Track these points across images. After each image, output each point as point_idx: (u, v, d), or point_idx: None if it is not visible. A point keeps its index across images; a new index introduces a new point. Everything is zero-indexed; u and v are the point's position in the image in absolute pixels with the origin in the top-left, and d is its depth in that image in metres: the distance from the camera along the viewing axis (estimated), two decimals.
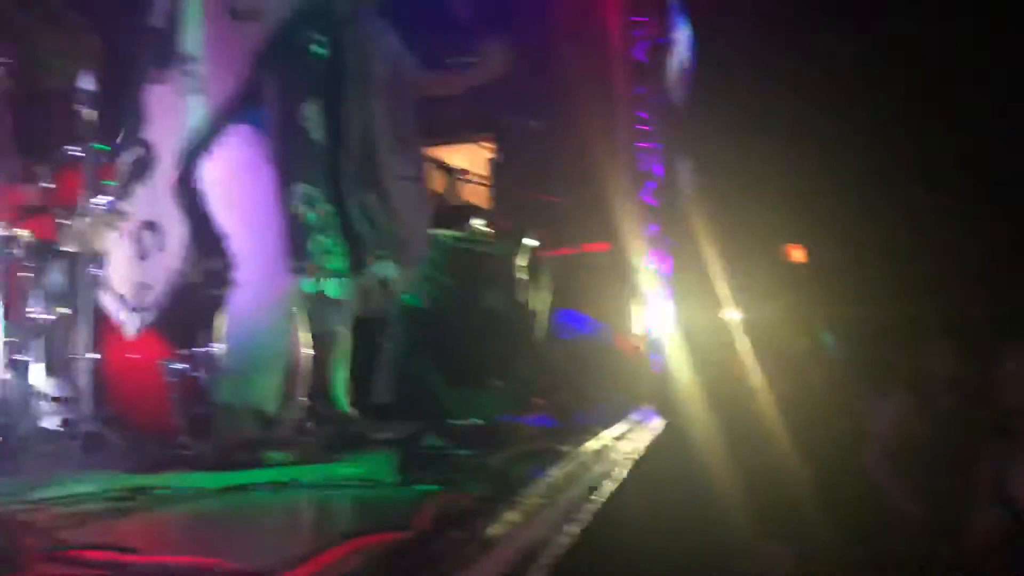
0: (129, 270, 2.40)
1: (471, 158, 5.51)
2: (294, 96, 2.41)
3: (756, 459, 4.40)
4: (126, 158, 2.40)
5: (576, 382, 3.98)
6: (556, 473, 1.99)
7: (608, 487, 2.18)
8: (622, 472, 2.45)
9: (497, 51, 3.07)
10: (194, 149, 2.36)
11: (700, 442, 4.09)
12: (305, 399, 2.45)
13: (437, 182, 4.82)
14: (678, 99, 5.61)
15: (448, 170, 5.10)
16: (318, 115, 2.41)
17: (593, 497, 2.00)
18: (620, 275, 5.17)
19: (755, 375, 5.35)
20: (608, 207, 5.16)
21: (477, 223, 4.23)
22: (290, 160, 2.35)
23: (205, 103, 2.32)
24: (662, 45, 5.54)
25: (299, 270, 2.28)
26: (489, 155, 5.52)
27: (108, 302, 2.45)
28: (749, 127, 7.34)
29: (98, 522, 1.49)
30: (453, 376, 3.29)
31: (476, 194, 5.31)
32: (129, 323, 2.43)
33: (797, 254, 8.30)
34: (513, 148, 5.23)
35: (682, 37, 5.49)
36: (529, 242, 4.74)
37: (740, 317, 6.09)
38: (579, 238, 5.18)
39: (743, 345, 5.65)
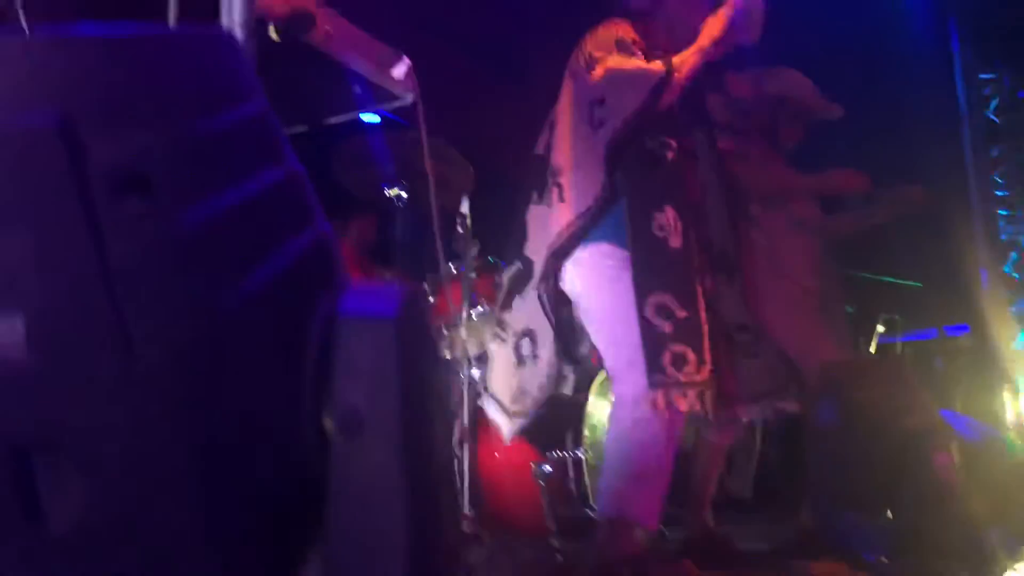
0: (508, 377, 2.55)
1: None
2: (648, 203, 2.40)
3: None
4: (506, 272, 2.57)
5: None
6: None
7: None
8: None
9: (913, 190, 2.96)
10: (560, 260, 2.46)
11: None
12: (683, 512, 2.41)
13: None
14: None
15: None
16: (675, 223, 2.37)
17: None
18: (986, 361, 4.60)
19: None
20: (968, 284, 4.64)
21: None
22: (646, 269, 2.33)
23: (569, 214, 2.41)
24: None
25: (657, 383, 2.23)
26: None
27: (488, 406, 2.61)
28: None
29: None
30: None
31: None
32: (506, 428, 2.57)
33: None
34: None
35: None
36: (879, 328, 4.41)
37: None
38: (936, 320, 4.69)
39: None
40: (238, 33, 1.08)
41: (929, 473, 2.88)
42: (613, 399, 2.31)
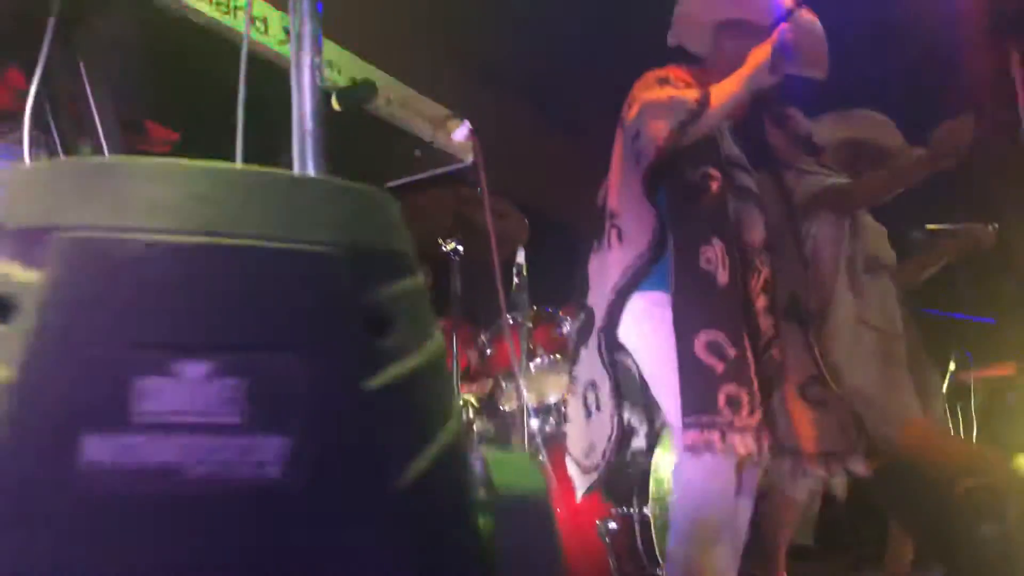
0: (580, 431, 2.49)
1: None
2: (693, 236, 2.31)
3: None
4: (573, 324, 2.52)
5: None
6: None
7: None
8: None
9: (982, 229, 2.86)
10: (623, 301, 2.40)
11: None
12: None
13: None
14: None
15: None
16: (722, 257, 2.28)
17: None
18: None
19: None
20: None
21: None
22: (694, 305, 2.24)
23: (630, 255, 2.34)
24: None
25: (712, 424, 2.14)
26: None
27: (568, 463, 2.54)
28: None
29: None
30: None
31: None
32: (579, 484, 2.49)
33: None
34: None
35: None
36: (951, 365, 4.26)
37: None
38: (1009, 355, 4.52)
39: None
40: (308, 117, 1.06)
41: (987, 534, 2.76)
42: (677, 452, 2.23)
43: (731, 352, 2.11)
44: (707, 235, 2.23)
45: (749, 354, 2.12)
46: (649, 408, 2.50)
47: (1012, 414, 4.58)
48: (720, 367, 2.11)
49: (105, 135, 1.22)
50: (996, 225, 3.06)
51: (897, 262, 3.07)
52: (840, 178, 2.87)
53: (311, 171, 0.97)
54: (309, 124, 0.92)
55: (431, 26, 3.46)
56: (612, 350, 2.41)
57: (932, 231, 3.21)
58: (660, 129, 2.21)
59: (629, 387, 2.45)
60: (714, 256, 2.22)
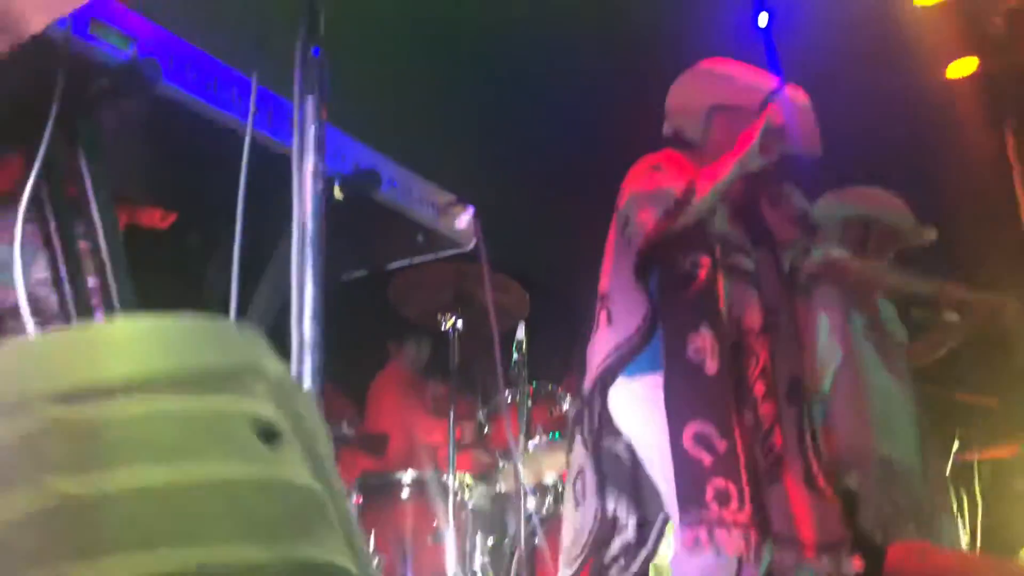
0: (570, 520, 2.42)
1: None
2: (682, 325, 2.28)
3: None
4: (572, 402, 2.48)
5: None
6: None
7: None
8: None
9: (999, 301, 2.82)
10: (604, 387, 2.36)
11: None
12: None
13: None
14: None
15: None
16: (711, 346, 2.24)
17: None
18: None
19: None
20: None
21: None
22: (682, 396, 2.20)
23: (616, 338, 2.31)
24: None
25: (700, 520, 2.07)
26: None
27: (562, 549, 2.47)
28: None
29: None
30: None
31: None
32: (566, 568, 2.43)
33: None
34: None
35: None
36: (955, 445, 4.19)
37: None
38: (1014, 436, 4.46)
39: None
40: (308, 182, 1.03)
41: None
42: (675, 545, 2.16)
43: (720, 445, 2.06)
44: (695, 323, 2.20)
45: (739, 446, 2.07)
46: (640, 499, 2.42)
47: (1016, 499, 4.50)
48: (708, 460, 2.06)
49: (101, 219, 1.20)
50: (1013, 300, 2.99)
51: (908, 339, 3.02)
52: (842, 252, 2.85)
53: (309, 271, 0.94)
54: (309, 229, 0.89)
55: (436, 108, 3.50)
56: (596, 436, 2.35)
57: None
58: (648, 218, 2.21)
59: (618, 476, 2.37)
60: (702, 345, 2.17)
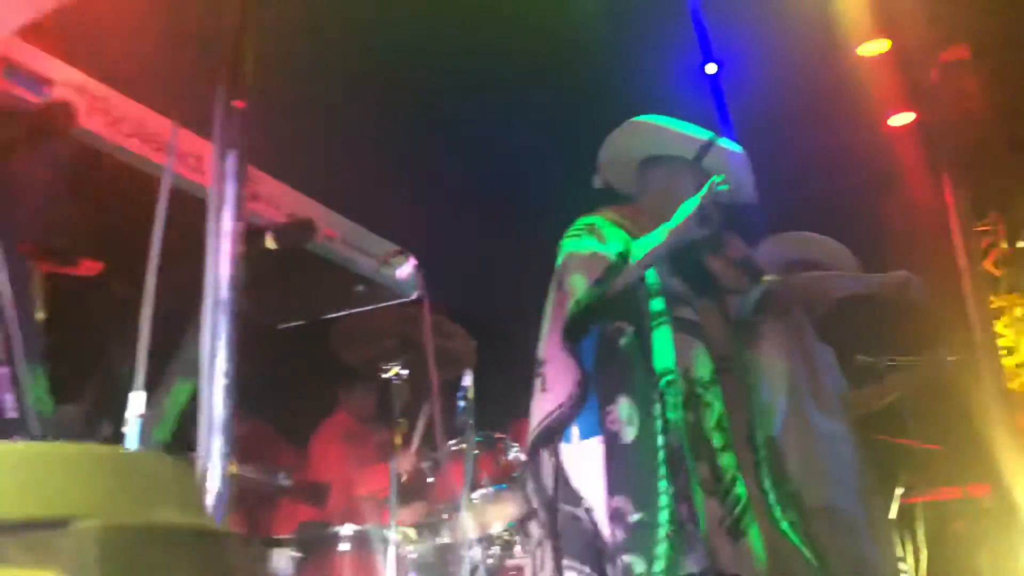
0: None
1: None
2: (603, 395, 2.25)
3: None
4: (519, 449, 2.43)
5: None
6: None
7: None
8: None
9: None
10: (536, 453, 2.31)
11: None
12: None
13: None
14: None
15: None
16: (627, 416, 2.20)
17: None
18: (1010, 522, 4.39)
19: None
20: (987, 443, 4.48)
21: None
22: (607, 469, 2.17)
23: (549, 405, 2.26)
24: None
25: None
26: None
27: None
28: None
29: None
30: None
31: None
32: None
33: None
34: None
35: None
36: (898, 491, 4.23)
37: None
38: (957, 480, 4.51)
39: None
40: (225, 243, 0.98)
41: None
42: None
43: (631, 518, 2.03)
44: (612, 394, 2.17)
45: (660, 515, 2.02)
46: (600, 564, 2.36)
47: (961, 541, 4.54)
48: (621, 534, 2.03)
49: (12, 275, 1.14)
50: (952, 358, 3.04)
51: (850, 390, 3.03)
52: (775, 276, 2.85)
53: (222, 334, 0.88)
54: (223, 292, 0.84)
55: (376, 155, 3.47)
56: (544, 496, 2.30)
57: (892, 361, 3.20)
58: (579, 284, 2.19)
59: (573, 540, 2.30)
60: (617, 417, 2.14)
